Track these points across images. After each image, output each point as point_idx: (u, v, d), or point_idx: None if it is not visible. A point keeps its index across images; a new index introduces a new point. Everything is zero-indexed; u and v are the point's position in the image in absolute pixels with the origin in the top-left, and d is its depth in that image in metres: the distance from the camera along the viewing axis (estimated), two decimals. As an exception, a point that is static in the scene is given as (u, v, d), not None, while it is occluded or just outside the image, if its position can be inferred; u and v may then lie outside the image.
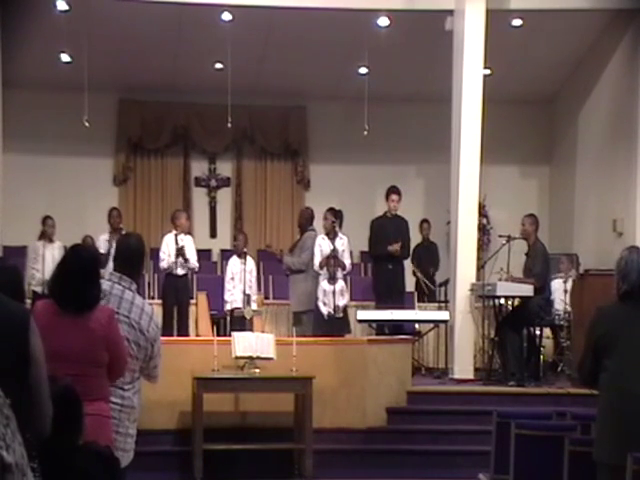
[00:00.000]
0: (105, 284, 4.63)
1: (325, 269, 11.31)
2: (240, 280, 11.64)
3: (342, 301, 11.21)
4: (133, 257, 4.94)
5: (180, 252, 11.49)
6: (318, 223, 11.79)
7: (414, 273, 13.45)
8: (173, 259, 11.51)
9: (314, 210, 12.31)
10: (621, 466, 4.62)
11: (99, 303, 4.37)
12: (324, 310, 11.14)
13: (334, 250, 11.23)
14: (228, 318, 11.80)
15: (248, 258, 11.83)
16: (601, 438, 4.84)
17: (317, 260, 11.34)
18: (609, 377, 4.80)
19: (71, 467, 3.17)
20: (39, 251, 12.08)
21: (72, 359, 4.19)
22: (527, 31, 12.97)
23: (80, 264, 4.33)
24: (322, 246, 11.38)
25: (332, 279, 11.25)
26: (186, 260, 11.54)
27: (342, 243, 11.41)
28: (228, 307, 11.80)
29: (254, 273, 12.11)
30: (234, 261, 11.99)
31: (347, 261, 11.45)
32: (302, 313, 11.18)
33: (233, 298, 11.79)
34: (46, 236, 12.20)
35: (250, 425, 8.99)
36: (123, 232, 12.14)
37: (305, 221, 11.74)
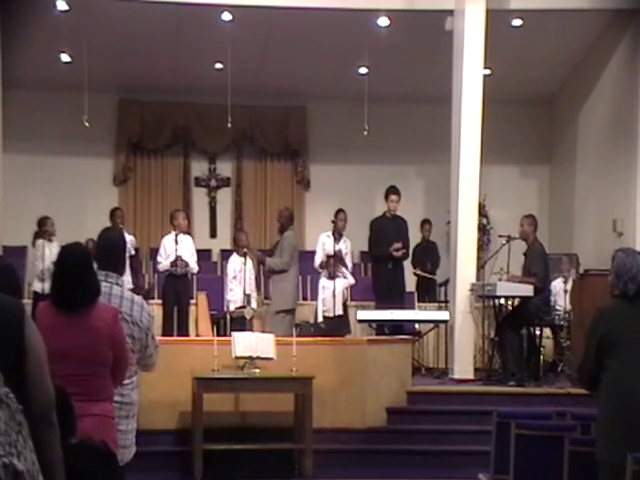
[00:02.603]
0: None
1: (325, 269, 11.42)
2: (240, 280, 11.64)
3: (340, 301, 11.29)
4: (115, 251, 4.97)
5: (175, 263, 11.41)
6: (312, 223, 11.86)
7: (415, 275, 13.49)
8: (169, 265, 11.46)
9: (314, 210, 12.38)
10: (623, 465, 4.63)
11: (98, 298, 4.37)
12: (320, 313, 11.25)
13: (339, 251, 11.32)
14: (229, 317, 11.81)
15: (247, 257, 11.84)
16: (603, 437, 4.85)
17: (319, 259, 11.43)
18: (611, 377, 4.82)
19: (66, 467, 3.16)
20: (41, 250, 12.06)
21: (77, 359, 4.19)
22: (527, 31, 12.97)
23: (71, 263, 4.33)
24: (326, 244, 11.50)
25: (331, 278, 11.33)
26: (186, 265, 11.52)
27: (346, 246, 11.54)
28: (232, 307, 11.75)
29: (253, 272, 12.12)
30: (235, 259, 11.98)
31: (349, 264, 11.57)
32: (283, 312, 11.18)
33: (235, 297, 11.78)
34: (47, 236, 12.16)
35: (250, 425, 8.98)
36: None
37: (285, 221, 11.70)
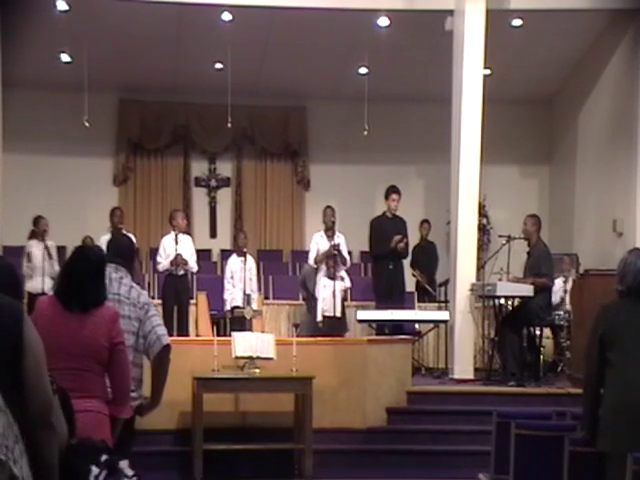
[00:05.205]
0: None
1: (324, 266, 11.51)
2: (240, 279, 11.66)
3: (339, 302, 11.35)
4: (128, 254, 5.26)
5: (176, 262, 11.41)
6: (312, 223, 12.01)
7: (414, 276, 13.49)
8: (168, 265, 11.45)
9: (314, 210, 12.46)
10: (625, 455, 4.74)
11: (104, 302, 4.42)
12: (319, 312, 11.31)
13: (334, 247, 11.40)
14: (228, 317, 11.83)
15: (248, 257, 11.86)
16: (606, 429, 4.94)
17: (313, 255, 11.58)
18: (613, 371, 4.93)
19: (66, 467, 3.17)
20: (32, 251, 12.07)
21: (75, 352, 4.24)
22: (527, 31, 12.97)
23: (86, 265, 4.38)
24: (319, 243, 11.66)
25: (332, 278, 11.40)
26: (185, 263, 11.52)
27: (340, 242, 11.61)
28: (227, 306, 11.82)
29: (254, 272, 12.14)
30: (234, 260, 12.02)
31: (347, 257, 11.68)
32: None
33: (232, 297, 11.82)
34: (39, 235, 12.15)
35: (250, 425, 8.98)
36: (123, 232, 12.17)
37: None
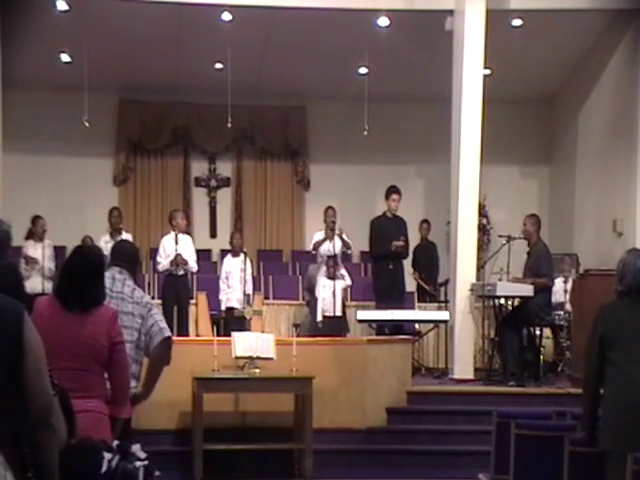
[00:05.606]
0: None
1: (324, 266, 11.57)
2: (240, 280, 11.65)
3: (339, 301, 11.38)
4: (131, 259, 5.44)
5: (176, 262, 11.42)
6: (312, 223, 12.09)
7: (415, 279, 13.49)
8: (168, 265, 11.46)
9: (314, 210, 12.50)
10: (625, 452, 4.76)
11: (104, 302, 4.45)
12: (319, 312, 11.34)
13: (340, 230, 11.53)
14: (226, 317, 11.84)
15: (247, 257, 11.88)
16: (610, 428, 4.96)
17: (313, 242, 11.81)
18: (615, 370, 4.96)
19: (67, 468, 3.16)
20: (29, 251, 12.07)
21: (75, 352, 4.25)
22: (527, 31, 12.96)
23: (86, 265, 4.39)
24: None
25: (332, 278, 11.42)
26: (185, 263, 11.52)
27: (340, 233, 11.76)
28: (222, 307, 11.83)
29: (249, 271, 12.13)
30: (228, 261, 12.04)
31: (349, 241, 11.73)
32: None
33: (227, 297, 11.83)
34: (35, 236, 12.14)
35: (250, 425, 8.98)
36: (123, 232, 12.18)
37: None
